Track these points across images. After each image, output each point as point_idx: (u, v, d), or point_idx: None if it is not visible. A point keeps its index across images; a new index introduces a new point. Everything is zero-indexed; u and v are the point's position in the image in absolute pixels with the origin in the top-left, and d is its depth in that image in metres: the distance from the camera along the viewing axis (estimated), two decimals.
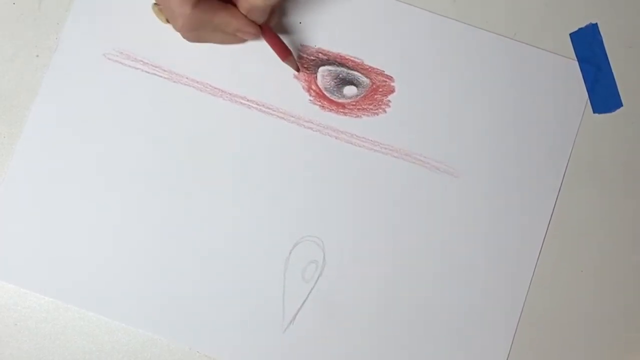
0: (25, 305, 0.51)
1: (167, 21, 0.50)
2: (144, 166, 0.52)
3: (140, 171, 0.52)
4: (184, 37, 0.49)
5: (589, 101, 0.53)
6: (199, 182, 0.52)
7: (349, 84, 0.53)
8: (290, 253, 0.51)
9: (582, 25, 0.54)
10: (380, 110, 0.53)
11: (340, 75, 0.53)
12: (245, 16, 0.48)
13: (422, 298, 0.52)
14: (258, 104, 0.52)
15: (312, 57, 0.53)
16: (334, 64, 0.53)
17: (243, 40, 0.52)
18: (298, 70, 0.52)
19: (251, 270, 0.51)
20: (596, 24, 0.53)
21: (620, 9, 0.54)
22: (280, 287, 0.51)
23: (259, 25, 0.49)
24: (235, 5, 0.48)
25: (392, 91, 0.53)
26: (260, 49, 0.53)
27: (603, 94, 0.54)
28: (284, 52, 0.50)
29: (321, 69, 0.53)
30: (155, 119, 0.52)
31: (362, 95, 0.53)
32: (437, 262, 0.52)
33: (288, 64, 0.51)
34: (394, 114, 0.53)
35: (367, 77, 0.53)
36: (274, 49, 0.50)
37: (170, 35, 0.52)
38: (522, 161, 0.53)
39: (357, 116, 0.53)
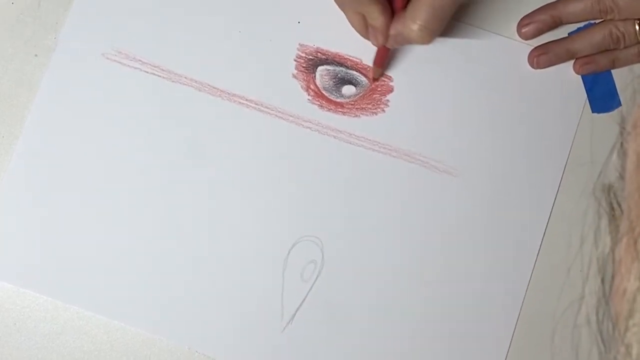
0: (24, 305, 0.51)
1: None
2: (143, 166, 0.52)
3: (139, 171, 0.52)
4: None
5: (587, 101, 0.53)
6: (197, 182, 0.52)
7: (348, 84, 0.53)
8: (288, 253, 0.51)
9: (581, 24, 0.54)
10: (379, 110, 0.53)
11: (339, 75, 0.53)
12: (388, 26, 0.48)
13: (421, 298, 0.52)
14: (256, 104, 0.52)
15: (311, 57, 0.53)
16: (333, 63, 0.53)
17: (366, 36, 0.50)
18: (374, 80, 0.52)
19: (250, 269, 0.51)
20: (595, 23, 0.53)
21: None
22: (279, 287, 0.51)
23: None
24: (392, 16, 0.48)
25: (391, 91, 0.53)
26: (259, 48, 0.53)
27: (602, 93, 0.54)
28: (381, 63, 0.51)
29: (320, 68, 0.53)
30: (154, 118, 0.52)
31: (360, 95, 0.53)
32: (436, 262, 0.52)
33: (374, 69, 0.52)
34: (392, 113, 0.53)
35: (365, 76, 0.53)
36: (378, 56, 0.51)
37: (169, 35, 0.52)
38: (521, 160, 0.53)
39: (356, 116, 0.53)
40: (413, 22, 0.45)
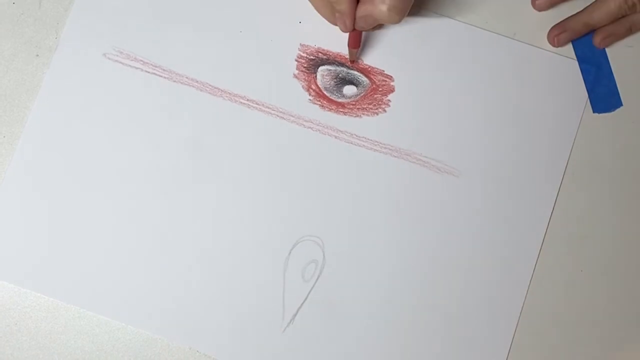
0: (25, 304, 0.51)
1: None
2: (144, 166, 0.52)
3: (140, 171, 0.52)
4: None
5: (588, 101, 0.53)
6: (198, 182, 0.52)
7: (349, 84, 0.53)
8: (290, 253, 0.51)
9: None
10: (380, 110, 0.53)
11: (340, 75, 0.53)
12: (354, 10, 0.48)
13: (421, 298, 0.52)
14: (258, 104, 0.52)
15: (312, 57, 0.53)
16: (334, 63, 0.53)
17: (334, 22, 0.50)
18: (352, 61, 0.53)
19: (251, 269, 0.51)
20: None
21: None
22: (280, 287, 0.51)
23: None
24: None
25: (392, 91, 0.53)
26: (260, 48, 0.53)
27: (603, 93, 0.54)
28: (356, 44, 0.51)
29: (321, 68, 0.53)
30: (155, 118, 0.52)
31: (361, 95, 0.53)
32: (437, 262, 0.52)
33: (350, 52, 0.52)
34: (393, 113, 0.53)
35: (366, 76, 0.53)
36: (351, 39, 0.51)
37: (170, 35, 0.52)
38: (522, 161, 0.53)
39: (357, 116, 0.53)
40: (382, 2, 0.46)
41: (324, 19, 0.51)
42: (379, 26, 0.52)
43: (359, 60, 0.53)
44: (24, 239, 0.51)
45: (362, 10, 0.48)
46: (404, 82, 0.53)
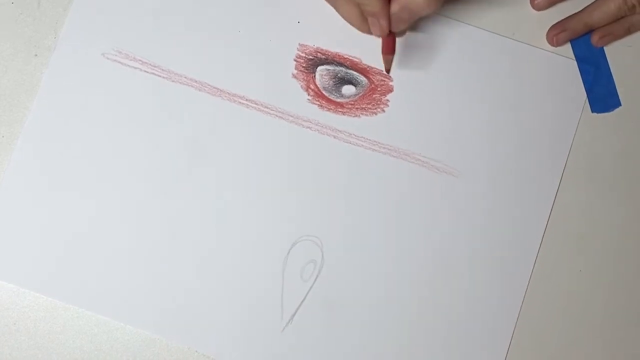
0: (24, 304, 0.51)
1: None
2: (143, 166, 0.52)
3: (139, 171, 0.52)
4: None
5: (587, 101, 0.53)
6: (197, 182, 0.52)
7: (348, 84, 0.53)
8: (288, 252, 0.51)
9: None
10: (379, 110, 0.53)
11: (339, 75, 0.53)
12: (388, 12, 0.45)
13: (420, 298, 0.52)
14: (256, 104, 0.52)
15: (311, 57, 0.53)
16: (333, 63, 0.53)
17: (364, 29, 0.48)
18: (387, 71, 0.51)
19: (250, 269, 0.51)
20: None
21: None
22: (278, 287, 0.51)
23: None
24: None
25: (391, 91, 0.53)
26: (259, 48, 0.53)
27: (601, 93, 0.54)
28: (391, 50, 0.48)
29: (319, 68, 0.53)
30: (154, 118, 0.52)
31: (360, 95, 0.53)
32: (436, 262, 0.52)
33: (385, 60, 0.50)
34: (392, 113, 0.53)
35: (365, 76, 0.53)
36: (385, 44, 0.48)
37: (169, 34, 0.52)
38: (521, 160, 0.53)
39: (356, 115, 0.53)
40: None
41: (323, 19, 0.51)
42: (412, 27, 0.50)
43: (357, 60, 0.53)
44: (23, 239, 0.51)
45: (396, 4, 0.44)
46: (403, 82, 0.53)
